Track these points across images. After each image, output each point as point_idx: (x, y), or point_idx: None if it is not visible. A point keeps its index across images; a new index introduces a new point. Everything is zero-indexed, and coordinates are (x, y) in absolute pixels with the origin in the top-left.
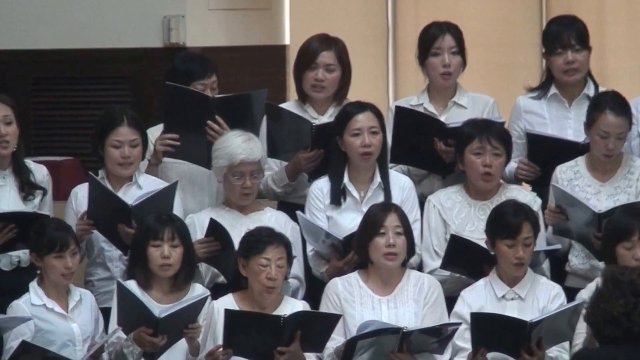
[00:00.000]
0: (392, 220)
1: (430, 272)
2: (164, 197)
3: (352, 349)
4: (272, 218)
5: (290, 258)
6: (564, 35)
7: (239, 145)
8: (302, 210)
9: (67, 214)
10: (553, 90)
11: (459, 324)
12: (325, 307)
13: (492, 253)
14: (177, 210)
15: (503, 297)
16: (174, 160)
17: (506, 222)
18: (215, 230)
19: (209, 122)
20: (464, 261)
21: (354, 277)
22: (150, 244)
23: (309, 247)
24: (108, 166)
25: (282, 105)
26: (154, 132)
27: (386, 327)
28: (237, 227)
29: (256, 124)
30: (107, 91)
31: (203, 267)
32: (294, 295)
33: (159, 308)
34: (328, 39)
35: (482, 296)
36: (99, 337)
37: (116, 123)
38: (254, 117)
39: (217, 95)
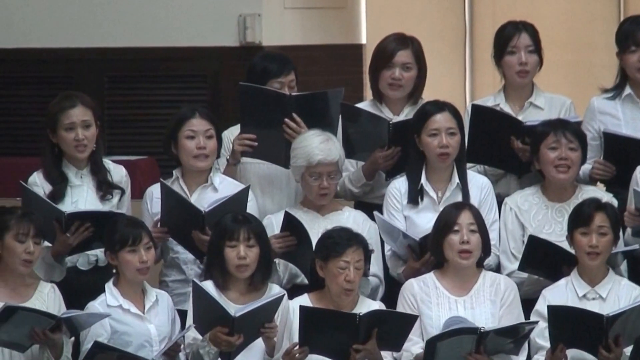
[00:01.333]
0: (465, 218)
1: (509, 275)
2: (237, 201)
3: (432, 350)
4: (351, 218)
5: (367, 257)
6: (637, 33)
7: (316, 145)
8: (380, 211)
9: (143, 215)
10: (627, 90)
11: (536, 322)
12: (401, 307)
13: (572, 251)
14: (252, 210)
15: (584, 296)
16: (253, 160)
17: (581, 211)
18: (291, 224)
19: (286, 120)
20: (542, 262)
21: (430, 277)
22: (227, 244)
23: (387, 247)
24: (183, 160)
25: (358, 105)
26: (233, 132)
27: (464, 327)
28: (315, 228)
29: (333, 122)
30: (182, 90)
31: (281, 267)
32: (373, 293)
33: (235, 308)
34: (404, 38)
35: (563, 295)
36: (176, 335)
37: (188, 115)
38: (330, 115)
39: (293, 94)
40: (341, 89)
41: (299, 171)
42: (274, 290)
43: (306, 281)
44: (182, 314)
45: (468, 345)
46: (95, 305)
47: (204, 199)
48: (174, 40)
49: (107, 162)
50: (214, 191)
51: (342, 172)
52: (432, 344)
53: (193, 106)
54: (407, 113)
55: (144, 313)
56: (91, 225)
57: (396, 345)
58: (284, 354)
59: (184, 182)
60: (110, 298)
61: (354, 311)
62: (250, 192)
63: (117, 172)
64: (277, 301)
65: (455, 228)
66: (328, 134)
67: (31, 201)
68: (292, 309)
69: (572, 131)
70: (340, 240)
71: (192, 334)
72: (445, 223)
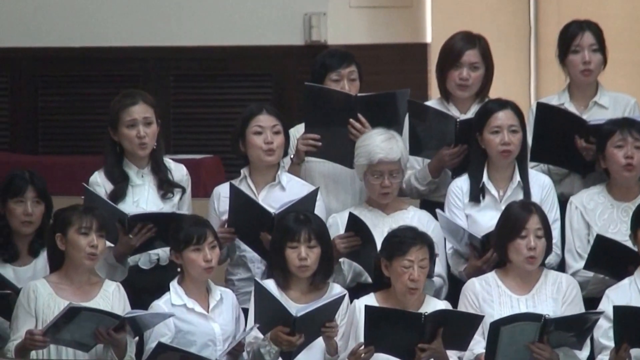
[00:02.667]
0: (533, 223)
1: (573, 274)
2: (306, 203)
3: (496, 334)
4: (416, 217)
5: (432, 257)
6: None
7: (378, 144)
8: (444, 209)
9: (210, 214)
10: None
11: (601, 313)
12: (463, 306)
13: (636, 249)
14: (319, 210)
15: None
16: (318, 159)
17: None
18: (355, 224)
19: (351, 120)
20: (608, 262)
21: (492, 276)
22: (288, 245)
23: (449, 246)
24: (252, 156)
25: (426, 103)
26: (299, 130)
27: (528, 313)
28: (380, 227)
29: (398, 123)
30: (247, 89)
31: (345, 266)
32: (437, 293)
33: (296, 308)
34: (471, 37)
35: (626, 294)
36: (240, 334)
37: (255, 112)
38: (396, 116)
39: (360, 94)
40: (407, 90)
41: (362, 170)
42: (335, 289)
43: (370, 280)
44: (248, 312)
45: (531, 334)
46: (160, 305)
47: (271, 198)
48: (239, 39)
49: (168, 161)
50: (281, 190)
51: (407, 170)
52: (496, 328)
53: (260, 103)
54: (474, 111)
55: (208, 312)
56: (153, 226)
57: (462, 344)
58: (349, 353)
59: (252, 181)
60: (174, 297)
61: (420, 311)
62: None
63: (178, 171)
64: (338, 301)
65: (523, 234)
66: (392, 133)
67: (93, 203)
68: (358, 308)
69: (638, 130)
70: (405, 239)
71: (254, 333)
72: (512, 225)
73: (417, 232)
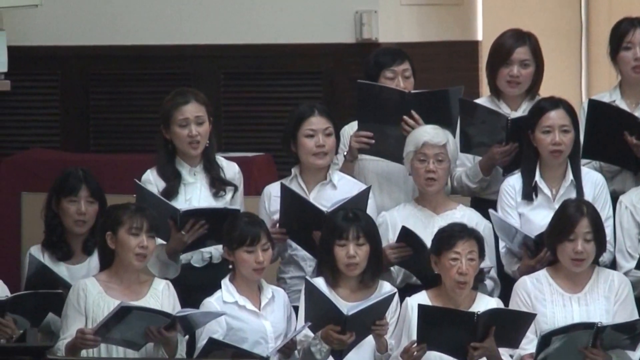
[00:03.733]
0: (583, 226)
1: (625, 274)
2: (358, 201)
3: (546, 343)
4: (465, 217)
5: (482, 253)
6: None
7: (424, 129)
8: (495, 207)
9: (260, 213)
10: None
11: None
12: (515, 304)
13: None
14: (370, 209)
15: None
16: (371, 157)
17: None
18: (407, 236)
19: (405, 117)
20: None
21: (543, 274)
22: (336, 243)
23: (501, 245)
24: (302, 158)
25: (476, 101)
26: (352, 128)
27: (581, 323)
28: (430, 227)
29: (452, 120)
30: (298, 87)
31: (395, 268)
32: (490, 296)
33: (346, 306)
34: (522, 34)
35: None
36: (292, 333)
37: (307, 114)
38: (449, 113)
39: (413, 91)
40: (460, 87)
41: (409, 160)
42: (385, 288)
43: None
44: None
45: (584, 339)
46: (211, 302)
47: (322, 196)
48: (290, 37)
49: (220, 159)
50: (332, 188)
51: (458, 167)
52: (547, 339)
53: (312, 103)
54: (525, 109)
55: (259, 310)
56: (206, 222)
57: (514, 342)
58: (402, 351)
59: (303, 180)
60: (226, 294)
61: (472, 308)
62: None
63: (230, 169)
64: (389, 299)
65: (571, 237)
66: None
67: (145, 199)
68: (410, 306)
69: None
70: (453, 233)
71: (304, 331)
72: (562, 228)
73: (464, 226)
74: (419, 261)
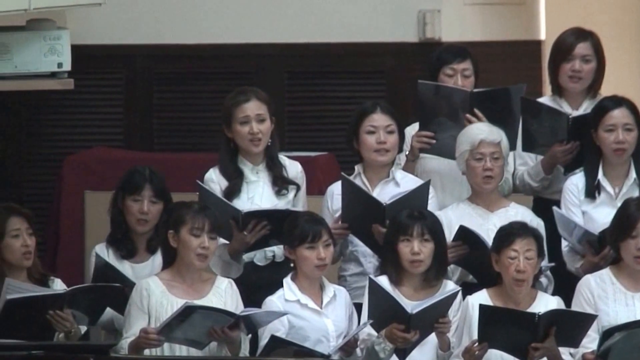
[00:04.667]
0: None
1: None
2: (418, 195)
3: (608, 339)
4: (519, 215)
5: (541, 252)
6: None
7: (478, 127)
8: (558, 206)
9: (323, 212)
10: None
11: None
12: (578, 303)
13: None
14: (433, 206)
15: None
16: (432, 156)
17: None
18: (464, 234)
19: (467, 115)
20: None
21: (606, 273)
22: (401, 239)
23: (564, 243)
24: (364, 155)
25: (538, 100)
26: (415, 128)
27: None
28: (485, 225)
29: (514, 118)
30: (361, 86)
31: (451, 266)
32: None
33: (410, 304)
34: (583, 31)
35: None
36: (354, 330)
37: (369, 110)
38: (511, 111)
39: (475, 90)
40: (523, 85)
41: (464, 159)
42: (449, 286)
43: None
44: (360, 308)
45: None
46: (273, 300)
47: (385, 194)
48: (353, 36)
49: (283, 158)
50: (395, 186)
51: (520, 166)
52: (608, 335)
53: (375, 100)
54: (586, 107)
55: (321, 308)
56: (268, 223)
57: (574, 342)
58: (464, 351)
59: (366, 177)
60: (288, 293)
61: (532, 307)
62: (431, 189)
63: (293, 168)
64: (452, 297)
65: (634, 233)
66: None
67: (208, 200)
68: (471, 304)
69: None
70: (512, 231)
71: (367, 330)
72: (624, 225)
73: (525, 224)
74: (476, 259)
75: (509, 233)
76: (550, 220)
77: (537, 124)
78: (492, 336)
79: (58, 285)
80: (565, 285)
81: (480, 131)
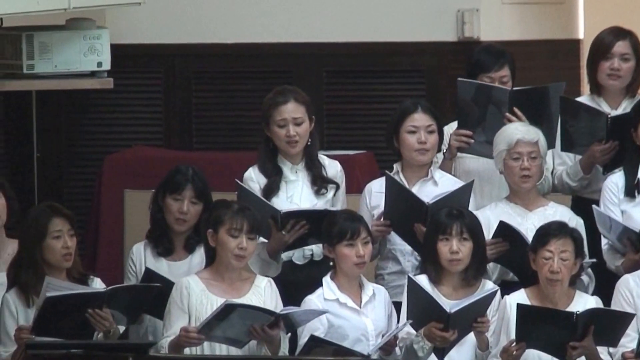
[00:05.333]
0: None
1: None
2: (461, 195)
3: None
4: (557, 214)
5: (579, 253)
6: None
7: (515, 127)
8: (597, 205)
9: (362, 209)
10: None
11: None
12: (617, 303)
13: None
14: (471, 206)
15: None
16: (470, 155)
17: None
18: (504, 231)
19: (507, 114)
20: None
21: None
22: (440, 238)
23: (604, 241)
24: (404, 154)
25: (577, 99)
26: (453, 127)
27: None
28: (524, 224)
29: (553, 116)
30: (400, 85)
31: (490, 265)
32: (585, 291)
33: (448, 303)
34: (621, 30)
35: None
36: (394, 330)
37: (410, 110)
38: (551, 110)
39: (515, 88)
40: (562, 83)
41: (501, 158)
42: (488, 285)
43: (517, 278)
44: (398, 306)
45: None
46: (312, 299)
47: (423, 193)
48: (392, 35)
49: (322, 157)
50: (434, 185)
51: (559, 166)
52: None
53: (416, 99)
54: (625, 107)
55: (360, 307)
56: (306, 222)
57: (613, 341)
58: (502, 350)
59: (404, 176)
60: (327, 291)
61: (570, 307)
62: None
63: (332, 167)
64: (491, 296)
65: None
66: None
67: (247, 199)
68: (509, 304)
69: None
70: (548, 231)
71: (406, 329)
72: None
73: (562, 224)
74: (516, 257)
75: (545, 233)
76: (590, 219)
77: (576, 123)
78: (530, 336)
79: (97, 285)
80: (605, 285)
81: (517, 131)
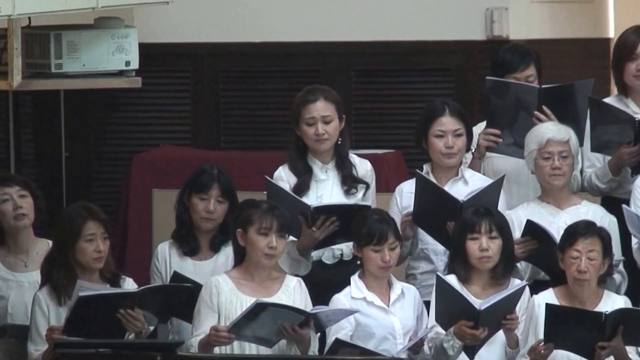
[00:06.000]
0: None
1: None
2: (493, 191)
3: None
4: (590, 212)
5: (607, 252)
6: None
7: (546, 126)
8: (627, 205)
9: (392, 210)
10: None
11: None
12: None
13: None
14: (501, 206)
15: None
16: (499, 155)
17: None
18: (532, 229)
19: (536, 113)
20: None
21: None
22: (469, 237)
23: (634, 241)
24: (432, 157)
25: (605, 100)
26: (481, 126)
27: None
28: (555, 223)
29: (581, 114)
30: (429, 84)
31: (522, 264)
32: (617, 289)
33: (477, 302)
34: None
35: None
36: (422, 332)
37: (438, 113)
38: (578, 108)
39: (544, 86)
40: (590, 80)
41: (532, 158)
42: (515, 283)
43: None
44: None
45: None
46: (340, 298)
47: (454, 192)
48: (420, 33)
49: (353, 156)
50: (464, 184)
51: (587, 169)
52: None
53: (444, 100)
54: None
55: (388, 306)
56: (337, 219)
57: None
58: (529, 350)
59: (434, 177)
60: (355, 290)
61: (599, 307)
62: None
63: (363, 166)
64: (519, 292)
65: None
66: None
67: (276, 196)
68: (537, 303)
69: None
70: (577, 230)
71: (436, 328)
72: None
73: (590, 224)
74: (546, 255)
75: (573, 232)
76: (621, 218)
77: (604, 125)
78: (558, 336)
79: (129, 285)
80: (636, 284)
81: (548, 130)
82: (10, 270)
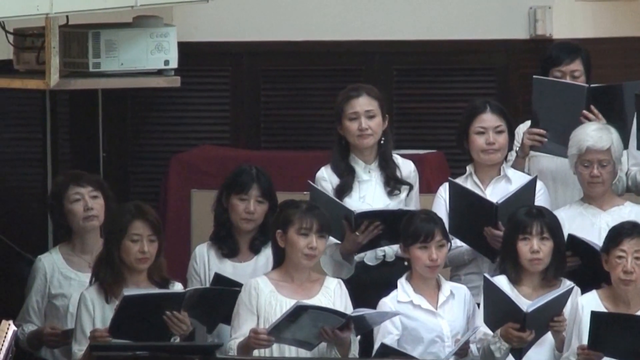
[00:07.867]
0: None
1: None
2: (526, 191)
3: None
4: (633, 213)
5: None
6: None
7: (587, 132)
8: None
9: (438, 203)
10: None
11: None
12: None
13: None
14: (545, 201)
15: None
16: (543, 154)
17: None
18: (574, 244)
19: (585, 112)
20: None
21: None
22: (520, 238)
23: None
24: (473, 155)
25: None
26: (527, 126)
27: None
28: (597, 224)
29: (627, 116)
30: (471, 83)
31: None
32: None
33: (527, 304)
34: None
35: None
36: (466, 335)
37: (479, 110)
38: (625, 109)
39: (592, 85)
40: (639, 82)
41: (573, 161)
42: (567, 284)
43: None
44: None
45: None
46: (386, 302)
47: (498, 191)
48: (463, 33)
49: (396, 157)
50: (507, 182)
51: (633, 167)
52: None
53: (485, 99)
54: None
55: (436, 308)
56: (380, 223)
57: None
58: (578, 352)
59: (477, 177)
60: (401, 294)
61: None
62: (540, 183)
63: (406, 167)
64: (567, 294)
65: None
66: (606, 125)
67: (320, 200)
68: (581, 305)
69: None
70: (621, 231)
71: (483, 329)
72: None
73: (635, 224)
74: (589, 268)
75: (618, 233)
76: None
77: None
78: (604, 343)
79: (178, 290)
80: None
81: (589, 137)
82: (73, 269)
